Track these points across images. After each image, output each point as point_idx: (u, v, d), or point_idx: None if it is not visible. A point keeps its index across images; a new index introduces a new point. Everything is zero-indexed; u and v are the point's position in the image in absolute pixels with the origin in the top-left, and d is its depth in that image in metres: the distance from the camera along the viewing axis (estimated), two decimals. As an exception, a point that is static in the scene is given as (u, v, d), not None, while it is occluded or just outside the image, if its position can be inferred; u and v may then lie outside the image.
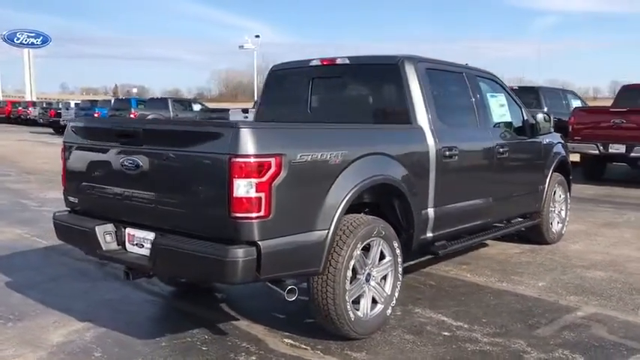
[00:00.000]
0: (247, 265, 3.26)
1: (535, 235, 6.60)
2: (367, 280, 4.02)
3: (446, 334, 4.14)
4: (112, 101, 28.75)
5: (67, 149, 4.25)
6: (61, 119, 28.80)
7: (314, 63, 5.18)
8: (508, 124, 5.80)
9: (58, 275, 5.58)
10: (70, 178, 4.25)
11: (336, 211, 3.67)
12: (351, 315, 3.86)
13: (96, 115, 26.89)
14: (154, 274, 4.24)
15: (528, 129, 6.00)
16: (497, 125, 5.59)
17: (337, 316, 3.80)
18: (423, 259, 5.70)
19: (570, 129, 11.71)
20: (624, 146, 10.96)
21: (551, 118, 6.08)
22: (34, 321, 4.37)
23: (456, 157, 4.77)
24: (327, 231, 3.63)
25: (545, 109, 13.45)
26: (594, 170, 12.25)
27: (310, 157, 3.53)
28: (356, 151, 3.87)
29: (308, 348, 3.91)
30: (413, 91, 4.60)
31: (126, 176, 3.76)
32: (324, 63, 5.11)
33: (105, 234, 3.91)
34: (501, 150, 5.44)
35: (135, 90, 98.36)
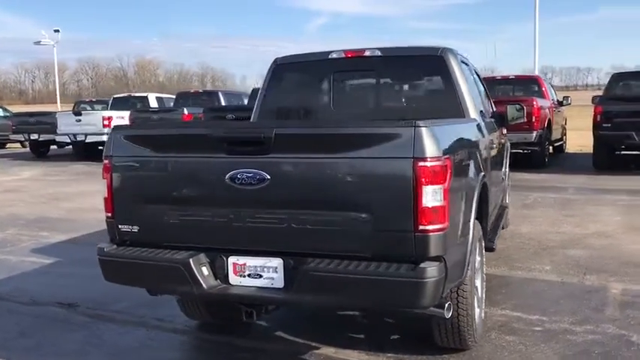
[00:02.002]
0: (440, 284, 2.84)
1: (495, 221, 6.83)
2: None
3: (538, 329, 4.06)
4: None
5: (117, 166, 3.31)
6: None
7: (335, 55, 4.72)
8: (491, 115, 5.91)
9: (22, 327, 4.40)
10: (127, 201, 3.31)
11: (472, 214, 3.39)
12: (475, 323, 3.60)
13: None
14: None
15: (499, 120, 6.17)
16: (488, 116, 5.66)
17: (467, 326, 3.51)
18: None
19: None
20: None
21: (524, 107, 6.32)
22: (71, 390, 3.38)
23: (493, 149, 4.72)
24: (469, 236, 3.33)
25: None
26: None
27: (460, 155, 3.21)
28: (470, 147, 3.62)
29: (432, 367, 3.56)
30: (460, 82, 4.43)
31: (237, 193, 3.03)
32: (349, 55, 4.70)
33: (201, 266, 3.14)
34: (502, 141, 5.53)
35: None
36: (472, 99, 4.44)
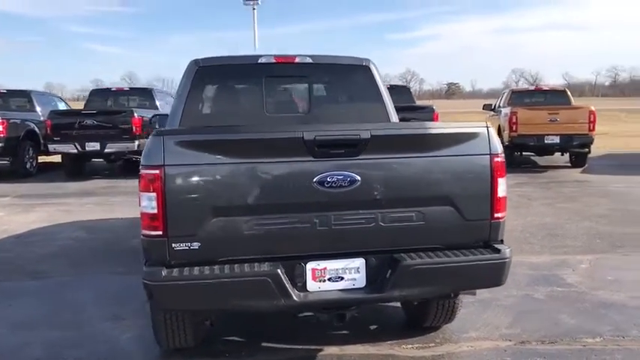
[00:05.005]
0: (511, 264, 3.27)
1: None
2: None
3: (472, 300, 4.57)
4: None
5: (172, 177, 2.88)
6: None
7: (265, 60, 4.70)
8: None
9: None
10: (186, 216, 2.90)
11: None
12: None
13: None
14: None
15: None
16: None
17: (460, 303, 4.00)
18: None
19: (49, 131, 12.56)
20: (99, 144, 12.39)
21: None
22: None
23: None
24: None
25: (40, 112, 14.02)
26: (75, 168, 13.24)
27: None
28: None
29: (435, 344, 3.95)
30: (383, 90, 4.90)
31: (326, 196, 2.98)
32: (280, 61, 4.73)
33: (284, 276, 2.98)
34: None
35: None
36: (391, 104, 4.94)
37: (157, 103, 14.67)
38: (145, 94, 15.18)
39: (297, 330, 4.19)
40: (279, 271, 2.95)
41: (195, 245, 2.93)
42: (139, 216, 2.99)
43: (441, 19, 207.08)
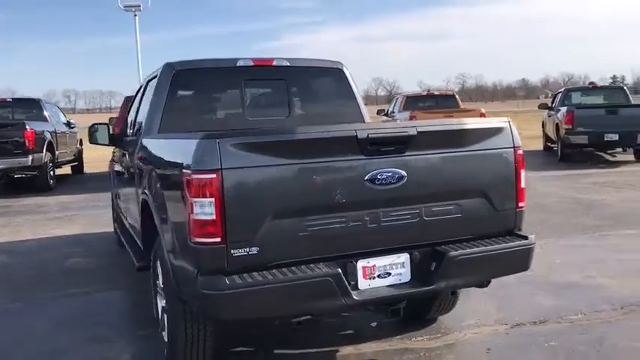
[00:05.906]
0: None
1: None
2: None
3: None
4: None
5: (231, 180, 2.76)
6: None
7: (243, 63, 4.61)
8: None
9: None
10: (246, 220, 2.79)
11: None
12: None
13: None
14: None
15: None
16: None
17: (458, 295, 4.18)
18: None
19: None
20: None
21: None
22: None
23: None
24: None
25: None
26: None
27: None
28: None
29: (441, 334, 4.10)
30: (357, 92, 5.01)
31: (376, 194, 3.01)
32: (258, 64, 4.66)
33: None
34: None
35: None
36: (364, 106, 5.07)
37: (46, 114, 13.67)
38: (32, 105, 13.98)
39: (306, 334, 4.14)
40: (339, 270, 2.94)
41: (254, 250, 2.83)
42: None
43: (301, 29, 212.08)
